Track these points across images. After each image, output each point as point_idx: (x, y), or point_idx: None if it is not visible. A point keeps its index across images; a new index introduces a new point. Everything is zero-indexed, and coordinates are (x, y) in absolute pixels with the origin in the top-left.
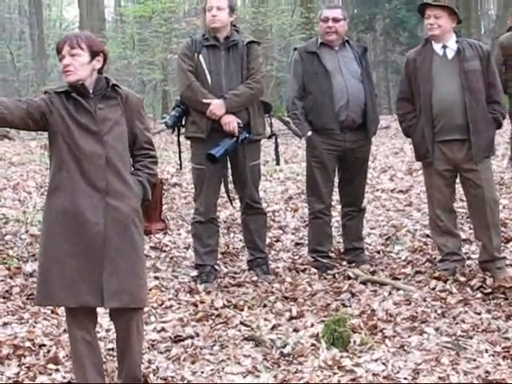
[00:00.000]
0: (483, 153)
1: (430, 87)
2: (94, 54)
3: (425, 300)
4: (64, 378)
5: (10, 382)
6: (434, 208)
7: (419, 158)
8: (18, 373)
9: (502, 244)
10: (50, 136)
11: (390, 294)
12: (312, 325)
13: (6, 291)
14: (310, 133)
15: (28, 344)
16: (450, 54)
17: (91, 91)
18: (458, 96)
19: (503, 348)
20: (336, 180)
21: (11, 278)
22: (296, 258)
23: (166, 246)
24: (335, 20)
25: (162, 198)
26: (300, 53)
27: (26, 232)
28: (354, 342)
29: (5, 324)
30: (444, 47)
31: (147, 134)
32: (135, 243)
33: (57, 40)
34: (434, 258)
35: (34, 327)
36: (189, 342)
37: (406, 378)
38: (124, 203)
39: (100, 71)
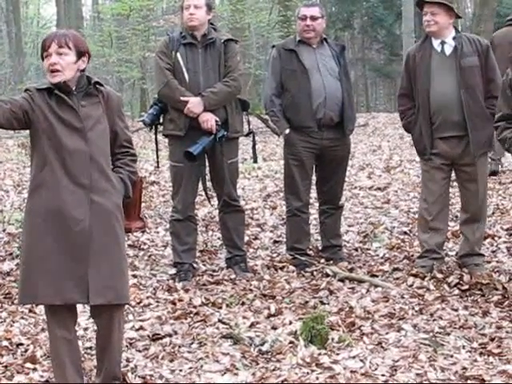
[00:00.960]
0: (482, 149)
1: (427, 84)
2: (80, 54)
3: (402, 297)
4: (42, 377)
5: None
6: (426, 203)
7: (418, 153)
8: None
9: None
10: (31, 134)
11: (367, 291)
12: (290, 322)
13: None
14: (287, 130)
15: (5, 343)
16: (448, 50)
17: (74, 88)
18: (454, 93)
19: (480, 344)
20: (313, 178)
21: None
22: (274, 255)
23: (144, 244)
24: (313, 18)
25: (141, 196)
26: (278, 50)
27: (4, 231)
28: (332, 339)
29: None
30: (442, 43)
31: (127, 133)
32: (119, 239)
33: (34, 38)
34: (412, 255)
35: (12, 326)
36: (167, 340)
37: (383, 375)
38: (108, 199)
39: (83, 70)
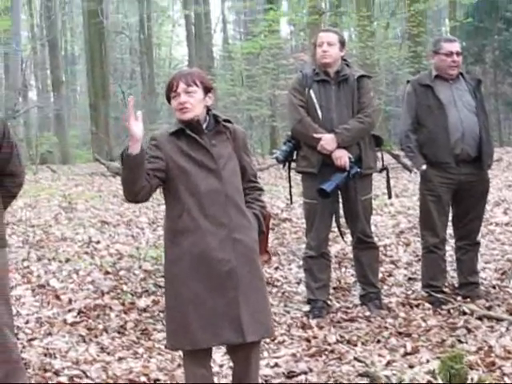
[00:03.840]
0: None
1: None
2: (206, 91)
3: None
4: None
5: None
6: None
7: None
8: None
9: None
10: (165, 182)
11: (507, 329)
12: (427, 361)
13: (121, 326)
14: (424, 166)
15: (143, 379)
16: None
17: (204, 127)
18: None
19: None
20: (450, 214)
21: (125, 313)
22: (409, 292)
23: (278, 280)
24: (458, 54)
25: (269, 230)
26: (413, 85)
27: (140, 267)
28: (472, 379)
29: (120, 359)
30: None
31: (253, 168)
32: (261, 275)
33: (166, 79)
34: None
35: (149, 362)
36: (302, 377)
37: None
38: (247, 236)
39: (209, 108)
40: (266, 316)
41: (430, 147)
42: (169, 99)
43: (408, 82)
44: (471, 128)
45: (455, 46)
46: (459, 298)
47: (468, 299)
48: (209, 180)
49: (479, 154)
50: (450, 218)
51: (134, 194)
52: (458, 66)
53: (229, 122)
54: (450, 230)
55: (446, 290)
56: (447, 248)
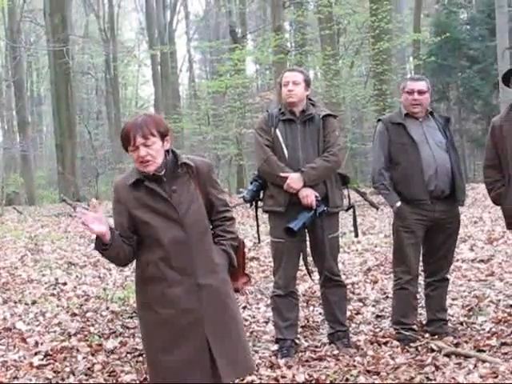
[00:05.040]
0: None
1: None
2: (163, 136)
3: None
4: None
5: None
6: None
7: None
8: None
9: None
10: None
11: (475, 366)
12: None
13: (88, 368)
14: (399, 203)
15: None
16: None
17: (163, 173)
18: None
19: None
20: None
21: (93, 355)
22: (377, 330)
23: (246, 320)
24: (420, 92)
25: (244, 256)
26: (385, 124)
27: (107, 309)
28: None
29: None
30: None
31: (221, 197)
32: (233, 313)
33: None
34: None
35: None
36: None
37: None
38: (215, 279)
39: (167, 150)
40: (244, 355)
41: (404, 185)
42: (126, 149)
43: (379, 120)
44: (443, 165)
45: (419, 85)
46: (427, 335)
47: (436, 336)
48: (172, 230)
49: (452, 191)
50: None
51: (123, 263)
52: (420, 104)
53: (187, 164)
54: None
55: (414, 326)
56: None
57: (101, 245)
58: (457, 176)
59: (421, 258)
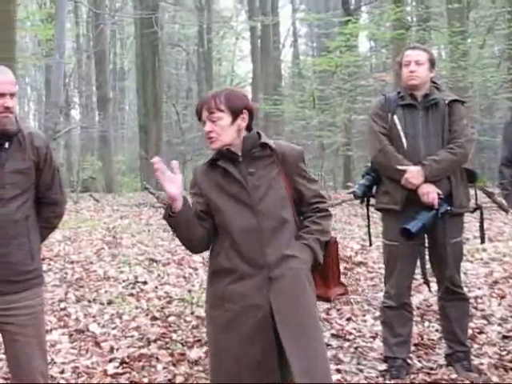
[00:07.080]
0: None
1: None
2: (236, 114)
3: None
4: None
5: None
6: None
7: None
8: None
9: None
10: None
11: None
12: None
13: (169, 380)
14: None
15: None
16: None
17: (240, 154)
18: None
19: None
20: None
21: (174, 365)
22: (504, 353)
23: (350, 333)
24: None
25: (338, 258)
26: None
27: (192, 313)
28: None
29: None
30: None
31: (313, 187)
32: (309, 310)
33: None
34: None
35: None
36: None
37: None
38: (289, 277)
39: (249, 128)
40: (317, 365)
41: None
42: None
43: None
44: None
45: None
46: None
47: None
48: (243, 217)
49: None
50: None
51: (196, 248)
52: None
53: (267, 145)
54: None
55: None
56: None
57: (170, 210)
58: None
59: None
